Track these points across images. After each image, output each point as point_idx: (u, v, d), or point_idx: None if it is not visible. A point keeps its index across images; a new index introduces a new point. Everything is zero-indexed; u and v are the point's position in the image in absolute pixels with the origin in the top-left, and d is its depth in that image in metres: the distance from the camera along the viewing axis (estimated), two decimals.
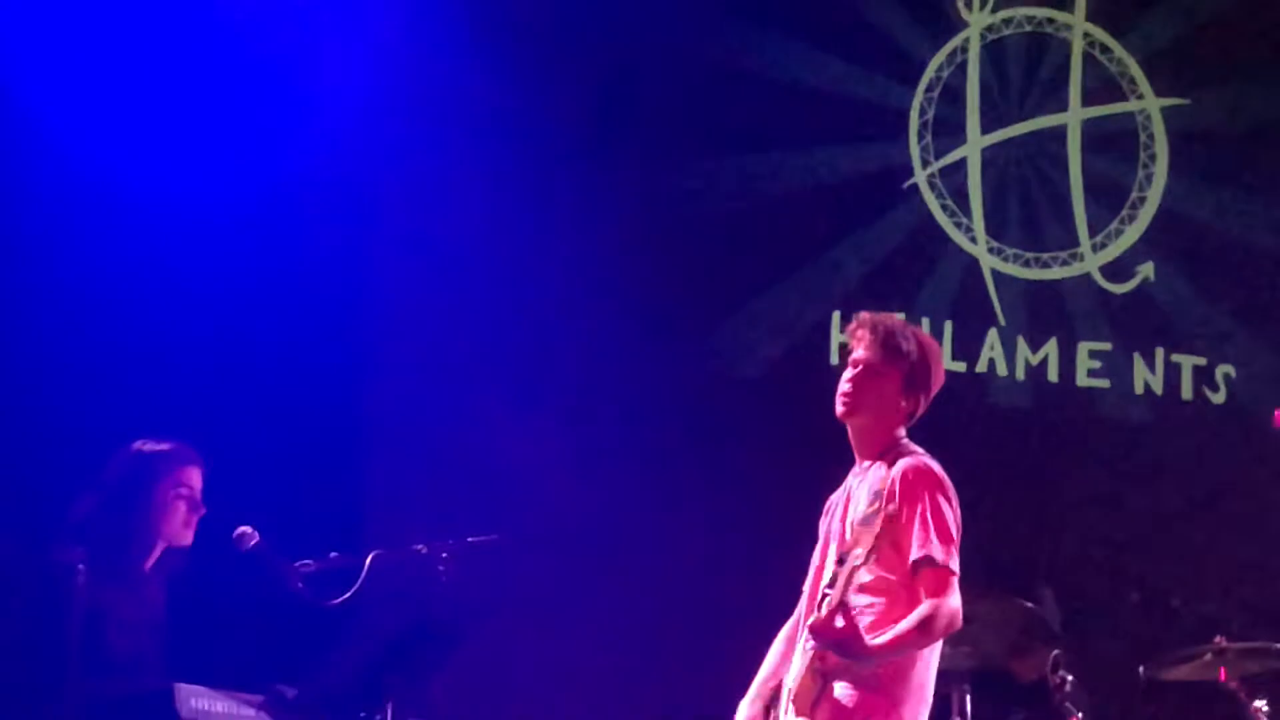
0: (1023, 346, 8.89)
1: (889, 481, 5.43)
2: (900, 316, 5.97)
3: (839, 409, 5.59)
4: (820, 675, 5.34)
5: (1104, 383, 8.93)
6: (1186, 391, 8.97)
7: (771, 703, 5.61)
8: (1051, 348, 8.89)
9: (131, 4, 8.35)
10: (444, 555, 6.60)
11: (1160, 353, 8.98)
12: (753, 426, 8.59)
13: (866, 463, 5.59)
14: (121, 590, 6.53)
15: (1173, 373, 8.98)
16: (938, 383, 5.65)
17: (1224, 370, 8.96)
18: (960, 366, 8.73)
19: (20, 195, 8.09)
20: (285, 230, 8.29)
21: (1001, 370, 8.86)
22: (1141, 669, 7.37)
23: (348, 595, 6.39)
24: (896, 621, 5.32)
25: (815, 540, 5.86)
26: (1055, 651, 7.29)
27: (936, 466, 5.48)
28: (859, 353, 5.64)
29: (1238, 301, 9.04)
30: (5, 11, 8.14)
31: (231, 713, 6.34)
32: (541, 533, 7.95)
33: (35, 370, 7.93)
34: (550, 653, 8.11)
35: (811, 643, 5.30)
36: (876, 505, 5.36)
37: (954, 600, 5.30)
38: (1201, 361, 8.98)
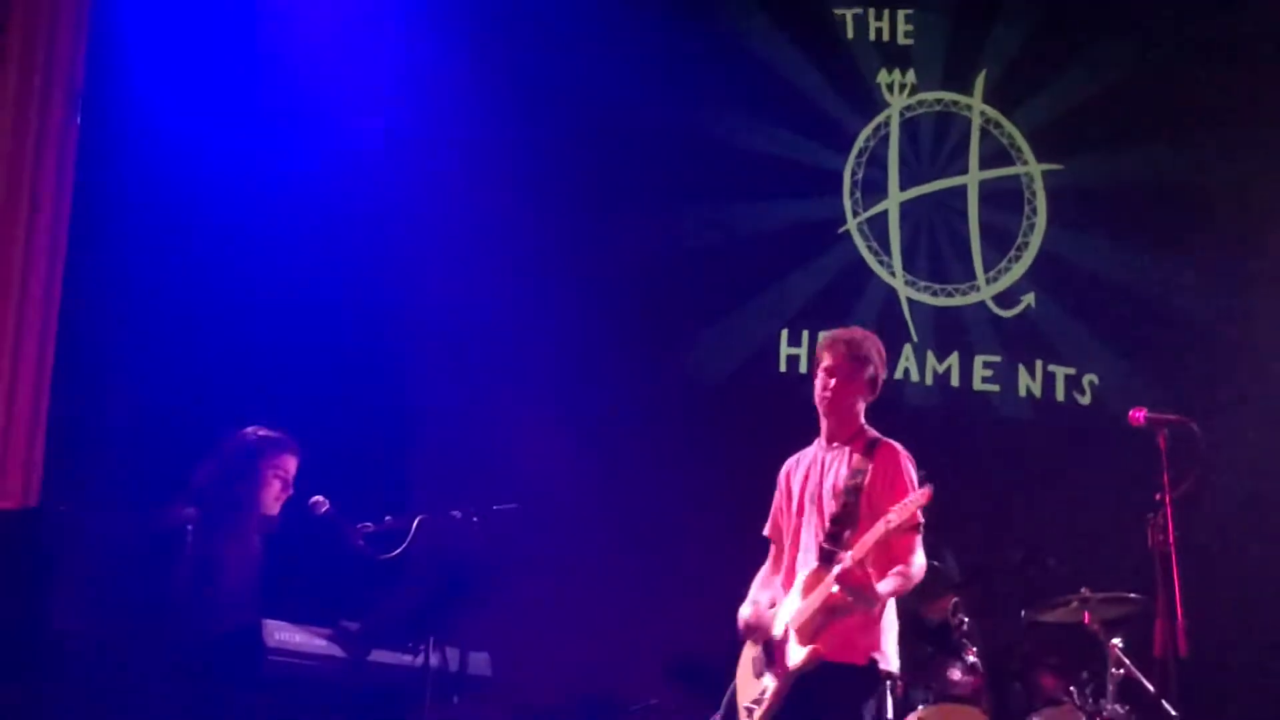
0: (931, 359, 9.02)
1: (878, 461, 5.74)
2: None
3: (822, 405, 5.91)
4: (828, 612, 5.61)
5: (995, 388, 9.00)
6: (1060, 395, 9.01)
7: (767, 608, 5.90)
8: (954, 360, 8.99)
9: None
10: (475, 520, 6.73)
11: (1039, 364, 9.01)
12: (715, 420, 8.77)
13: (836, 443, 5.88)
14: (226, 543, 6.67)
15: (1049, 380, 9.00)
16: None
17: (1089, 378, 8.98)
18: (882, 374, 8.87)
19: (161, 222, 8.29)
20: (359, 259, 8.59)
21: (915, 377, 8.98)
22: (1023, 613, 7.41)
23: (399, 551, 6.58)
24: (878, 568, 5.62)
25: (764, 508, 6.05)
26: (955, 599, 7.38)
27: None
28: (829, 362, 5.89)
29: (1100, 323, 9.08)
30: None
31: (307, 642, 6.52)
32: (551, 502, 8.09)
33: (161, 366, 8.10)
34: (558, 597, 8.26)
35: (835, 587, 5.52)
36: (859, 479, 5.70)
37: (922, 554, 5.68)
38: (1072, 371, 8.99)
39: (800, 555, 5.86)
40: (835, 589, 5.54)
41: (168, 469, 7.20)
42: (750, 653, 5.96)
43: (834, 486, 5.79)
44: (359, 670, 6.63)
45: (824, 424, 5.97)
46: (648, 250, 8.98)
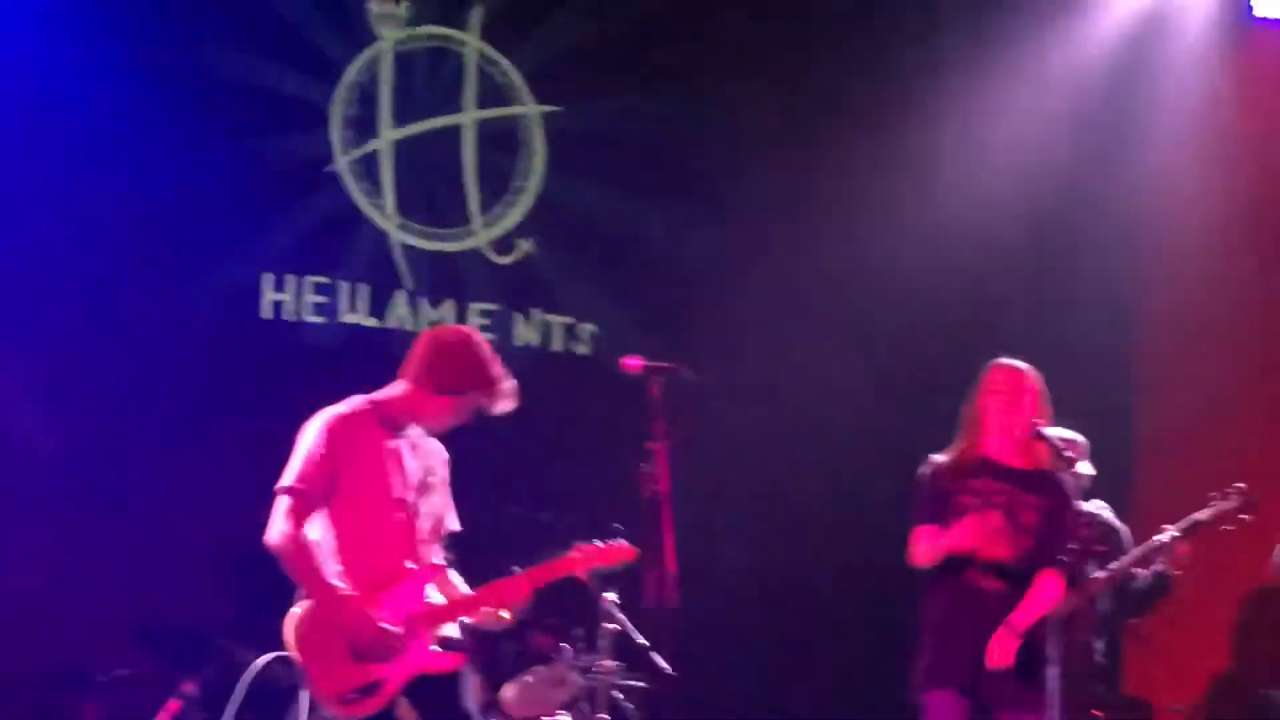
0: (425, 306, 9.03)
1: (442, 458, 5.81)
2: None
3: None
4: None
5: (491, 337, 8.60)
6: (558, 345, 9.31)
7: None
8: (449, 307, 9.04)
9: None
10: None
11: (537, 313, 9.27)
12: (193, 371, 8.49)
13: (416, 428, 5.79)
14: None
15: (547, 329, 9.29)
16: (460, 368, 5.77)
17: (588, 327, 9.35)
18: (374, 322, 8.94)
19: None
20: None
21: (409, 325, 8.87)
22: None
23: None
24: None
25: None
26: (450, 556, 7.49)
27: None
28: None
29: (598, 271, 9.41)
30: None
31: None
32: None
33: None
34: (17, 566, 7.91)
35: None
36: (439, 475, 5.80)
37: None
38: (570, 320, 9.34)
39: (391, 549, 5.66)
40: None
41: None
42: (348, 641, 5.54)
43: (424, 479, 5.78)
44: None
45: (409, 413, 5.79)
46: (110, 188, 8.42)
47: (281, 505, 5.48)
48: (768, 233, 9.73)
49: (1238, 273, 9.40)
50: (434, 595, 5.76)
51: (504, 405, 5.85)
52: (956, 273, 9.71)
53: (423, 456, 5.80)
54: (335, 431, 5.58)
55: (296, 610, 5.48)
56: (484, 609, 5.80)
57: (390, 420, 5.72)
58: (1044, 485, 6.23)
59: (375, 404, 5.73)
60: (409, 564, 5.68)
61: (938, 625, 6.22)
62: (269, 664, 5.77)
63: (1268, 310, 9.37)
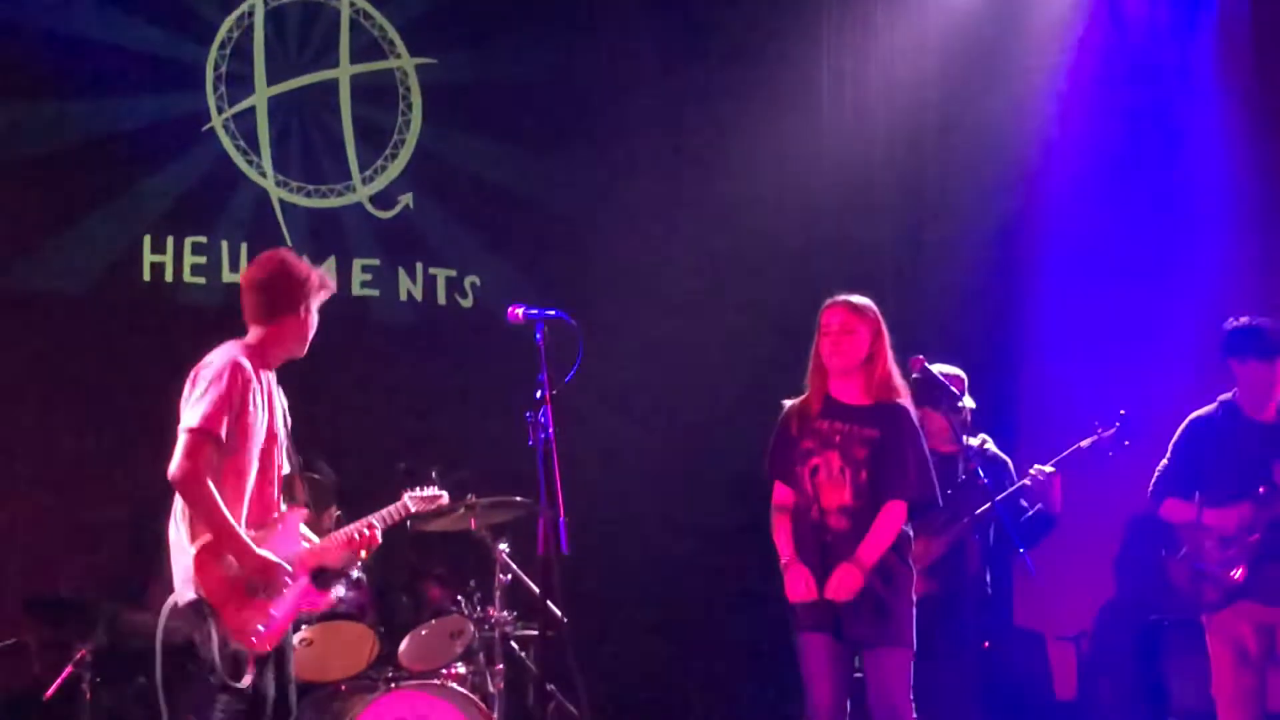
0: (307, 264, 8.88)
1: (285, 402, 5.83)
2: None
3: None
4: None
5: (374, 292, 9.11)
6: (442, 298, 9.28)
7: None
8: (331, 264, 8.85)
9: None
10: None
11: (420, 267, 9.23)
12: (73, 336, 8.38)
13: (273, 374, 5.87)
14: None
15: (430, 283, 9.25)
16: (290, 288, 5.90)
17: (471, 280, 9.32)
18: None
19: None
20: None
21: None
22: (409, 523, 7.23)
23: None
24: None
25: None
26: (337, 512, 7.37)
27: None
28: None
29: (479, 223, 9.39)
30: None
31: None
32: None
33: None
34: None
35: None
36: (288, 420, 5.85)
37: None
38: (453, 273, 9.30)
39: (273, 490, 5.78)
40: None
41: None
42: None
43: (287, 426, 5.87)
44: None
45: (273, 349, 5.89)
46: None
47: (186, 442, 5.51)
48: (645, 176, 9.80)
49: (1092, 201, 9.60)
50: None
51: (328, 293, 6.07)
52: (834, 212, 9.83)
53: (280, 399, 5.92)
54: (239, 374, 5.67)
55: (192, 551, 5.51)
56: (345, 553, 6.00)
57: (265, 362, 5.85)
58: (880, 418, 6.18)
59: (249, 347, 5.84)
60: (283, 505, 5.81)
61: None
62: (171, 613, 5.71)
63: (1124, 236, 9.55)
